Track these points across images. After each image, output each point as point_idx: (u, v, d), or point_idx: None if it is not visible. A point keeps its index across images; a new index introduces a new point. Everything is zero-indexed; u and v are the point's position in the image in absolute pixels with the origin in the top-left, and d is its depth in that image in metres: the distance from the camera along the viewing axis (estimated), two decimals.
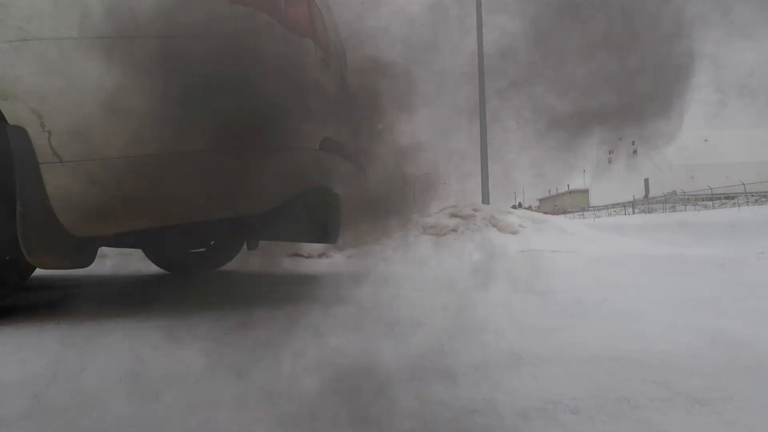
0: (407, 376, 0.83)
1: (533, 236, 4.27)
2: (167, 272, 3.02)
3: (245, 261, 3.49)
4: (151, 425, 0.64)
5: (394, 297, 1.73)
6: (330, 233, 1.49)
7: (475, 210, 4.57)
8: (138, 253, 4.03)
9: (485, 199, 9.45)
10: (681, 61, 1.36)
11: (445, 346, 1.01)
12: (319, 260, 3.84)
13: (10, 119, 1.13)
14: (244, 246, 3.31)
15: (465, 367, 0.87)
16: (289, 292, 1.88)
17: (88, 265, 1.32)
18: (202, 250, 3.03)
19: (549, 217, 4.89)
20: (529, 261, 3.19)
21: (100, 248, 1.44)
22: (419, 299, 1.67)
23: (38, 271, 1.37)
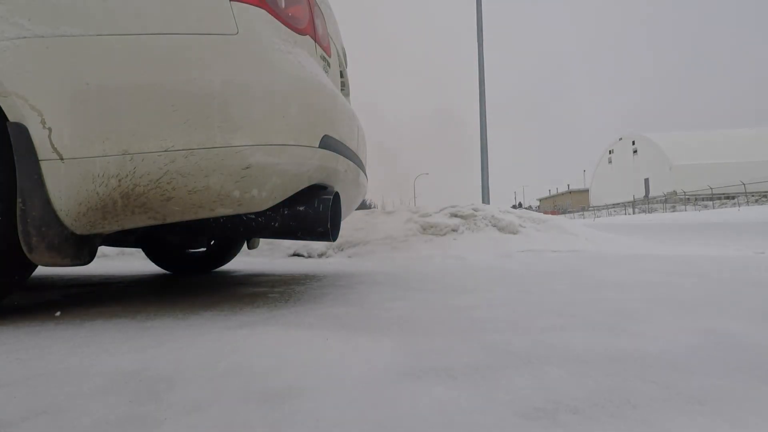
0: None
1: (534, 236, 4.27)
2: (167, 272, 3.02)
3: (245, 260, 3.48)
4: (151, 426, 0.64)
5: (390, 299, 1.73)
6: (330, 231, 1.49)
7: (475, 210, 4.57)
8: (138, 253, 4.03)
9: (485, 199, 9.47)
10: None
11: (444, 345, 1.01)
12: (319, 260, 3.84)
13: (11, 116, 1.13)
14: (245, 246, 3.31)
15: (465, 366, 0.87)
16: (289, 292, 1.88)
17: (88, 263, 1.32)
18: (202, 249, 3.03)
19: (549, 216, 4.89)
20: (529, 260, 3.19)
21: (100, 248, 1.44)
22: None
23: (38, 271, 1.37)
